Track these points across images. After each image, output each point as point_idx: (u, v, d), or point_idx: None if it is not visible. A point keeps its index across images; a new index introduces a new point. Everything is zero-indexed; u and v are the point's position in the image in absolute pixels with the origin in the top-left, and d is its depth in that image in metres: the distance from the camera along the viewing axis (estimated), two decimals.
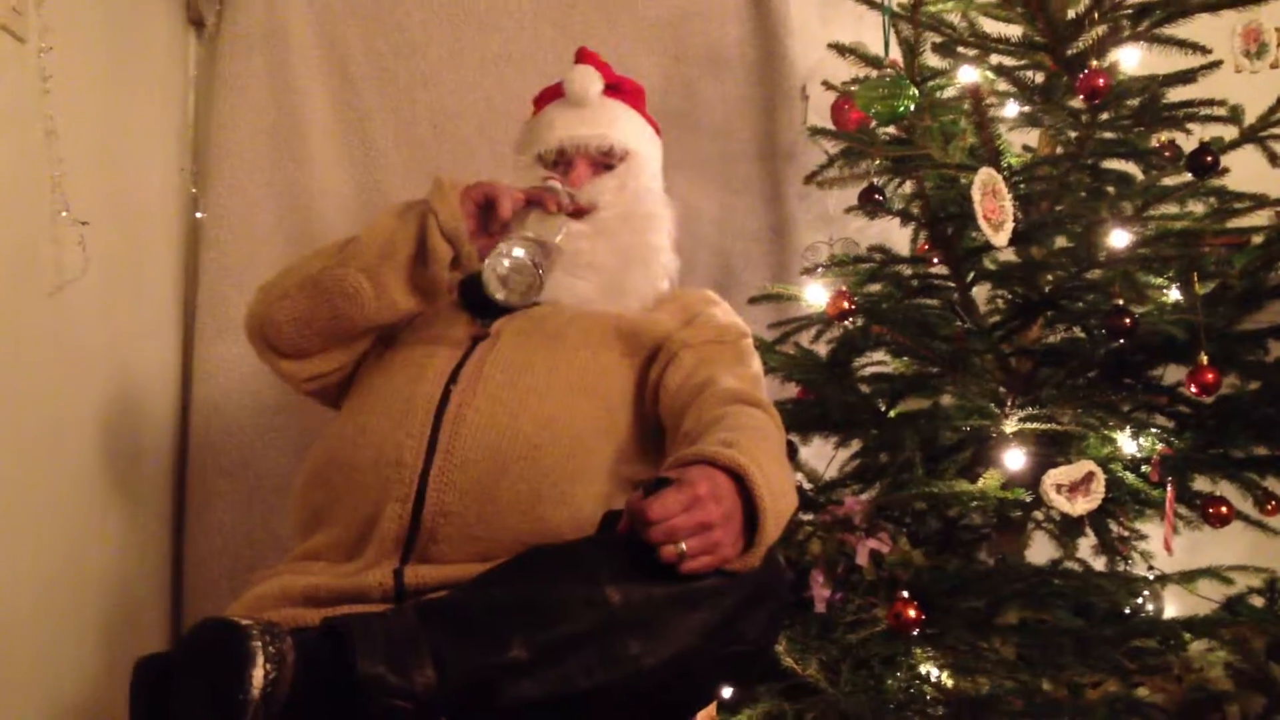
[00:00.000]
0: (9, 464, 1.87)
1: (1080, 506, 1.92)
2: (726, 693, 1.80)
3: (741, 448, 1.40)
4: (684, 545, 1.31)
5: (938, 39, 2.29)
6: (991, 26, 2.30)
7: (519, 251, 1.69)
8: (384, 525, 1.59)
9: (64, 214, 1.98)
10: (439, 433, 1.64)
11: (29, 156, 1.92)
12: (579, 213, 1.87)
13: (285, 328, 1.82)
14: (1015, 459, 1.97)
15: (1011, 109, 2.28)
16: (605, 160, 1.97)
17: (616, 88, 2.04)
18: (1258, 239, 2.10)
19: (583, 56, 2.06)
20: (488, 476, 1.60)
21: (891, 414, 2.23)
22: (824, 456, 2.38)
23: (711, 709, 1.79)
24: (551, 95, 2.05)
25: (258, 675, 1.17)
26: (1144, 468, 2.01)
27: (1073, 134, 2.16)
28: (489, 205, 1.75)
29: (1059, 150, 2.24)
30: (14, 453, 1.89)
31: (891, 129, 2.20)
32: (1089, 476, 1.93)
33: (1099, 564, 2.15)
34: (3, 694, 1.87)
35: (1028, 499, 1.97)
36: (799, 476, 2.37)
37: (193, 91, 2.61)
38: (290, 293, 1.81)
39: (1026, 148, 2.34)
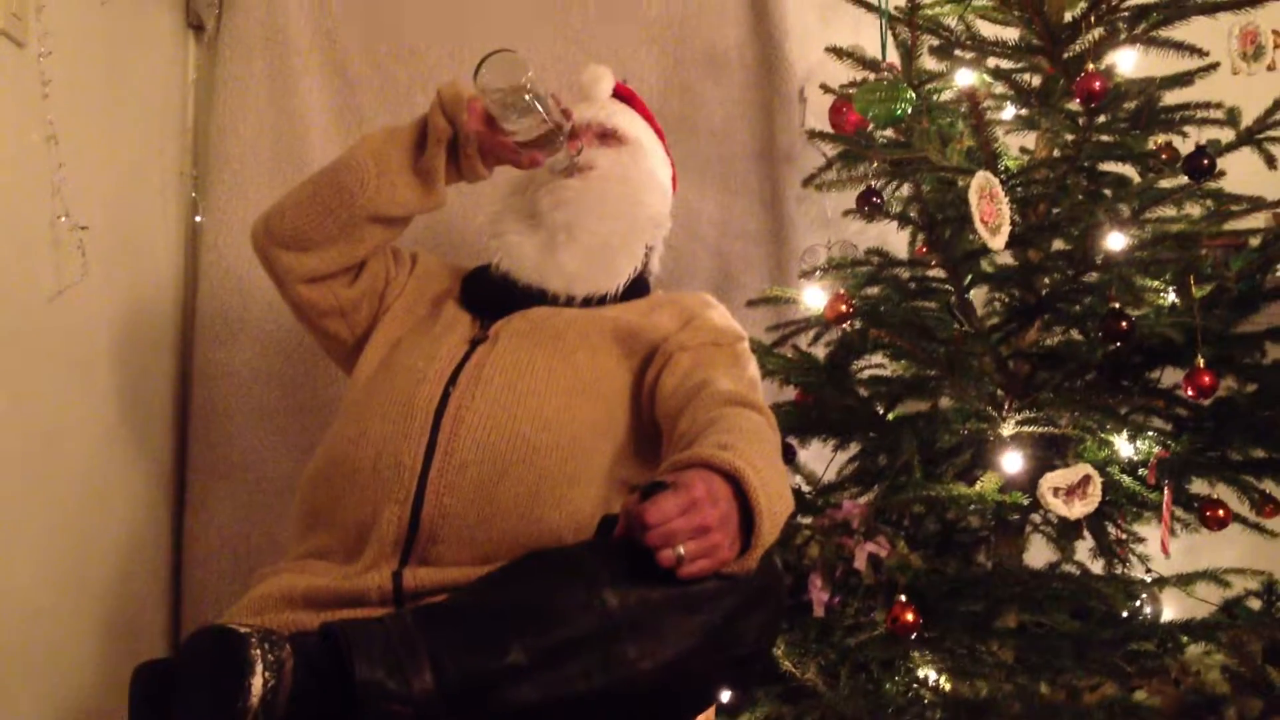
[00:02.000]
0: (9, 468, 1.88)
1: (1077, 509, 1.93)
2: (725, 696, 1.81)
3: (738, 450, 1.40)
4: (682, 549, 1.31)
5: (935, 42, 2.29)
6: (989, 29, 2.30)
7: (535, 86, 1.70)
8: (382, 527, 1.60)
9: (63, 218, 1.98)
10: (438, 434, 1.64)
11: (29, 161, 1.93)
12: (574, 170, 1.91)
13: (289, 211, 1.86)
14: (1013, 462, 1.98)
15: (1009, 112, 2.29)
16: (608, 141, 1.99)
17: (627, 99, 2.10)
18: (1255, 241, 2.10)
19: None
20: (487, 478, 1.60)
21: (890, 417, 2.23)
22: (822, 459, 2.38)
23: (710, 713, 1.80)
24: None
25: (257, 683, 1.18)
26: (1141, 470, 2.01)
27: (1070, 137, 2.17)
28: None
29: (1056, 153, 2.25)
30: (14, 457, 1.89)
31: (889, 132, 2.21)
32: (1086, 479, 1.93)
33: (1097, 567, 2.16)
34: (3, 699, 1.87)
35: (1025, 502, 1.97)
36: (797, 479, 2.38)
37: (192, 95, 2.61)
38: (300, 185, 1.89)
39: (1024, 150, 2.35)
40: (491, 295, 1.90)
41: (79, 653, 2.10)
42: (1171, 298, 2.07)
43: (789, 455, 2.33)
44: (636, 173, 1.98)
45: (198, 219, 2.57)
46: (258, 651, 1.20)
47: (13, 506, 1.89)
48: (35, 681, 1.98)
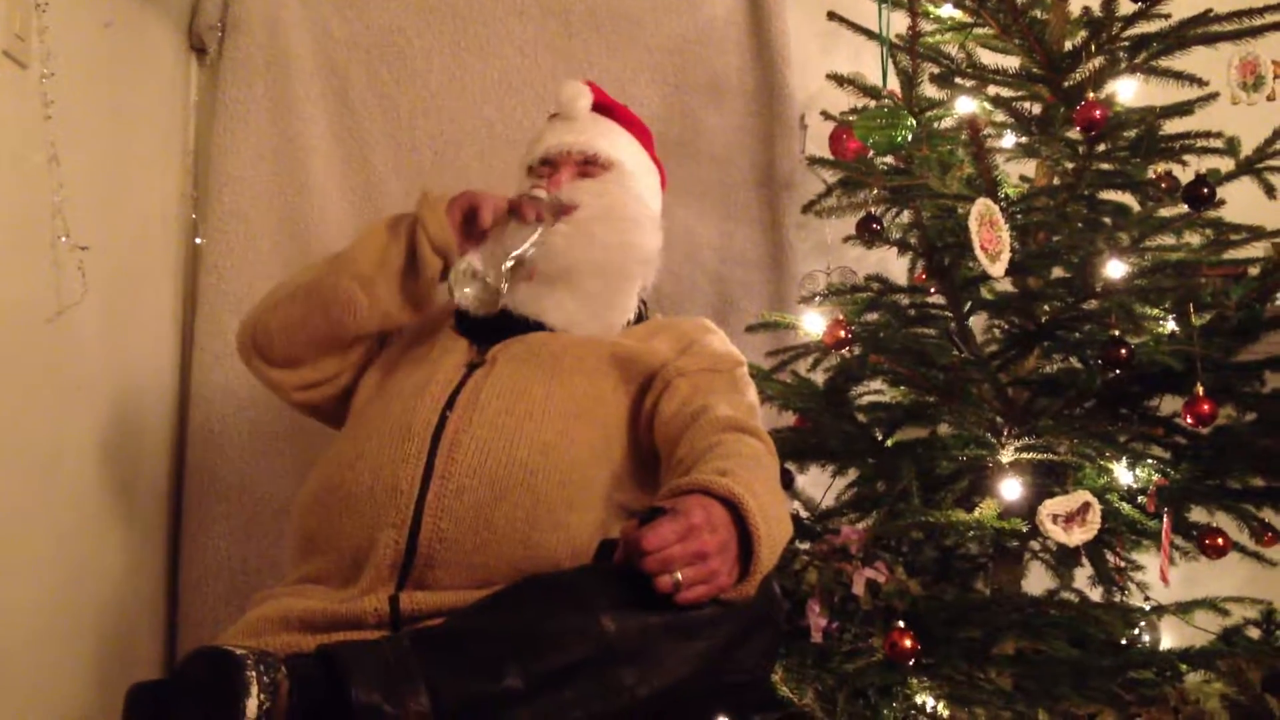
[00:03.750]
0: (7, 488, 1.87)
1: (1076, 537, 1.92)
2: None
3: (736, 476, 1.40)
4: (679, 575, 1.31)
5: (936, 70, 2.30)
6: (989, 58, 2.31)
7: (474, 262, 1.81)
8: (380, 551, 1.59)
9: (64, 239, 1.99)
10: (435, 458, 1.64)
11: (30, 182, 1.93)
12: (562, 212, 1.88)
13: (277, 336, 1.86)
14: (1012, 489, 1.97)
15: (1009, 140, 2.30)
16: (589, 170, 1.97)
17: (607, 110, 2.06)
18: (1254, 270, 2.09)
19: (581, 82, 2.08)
20: (484, 503, 1.60)
21: (889, 443, 2.23)
22: (821, 485, 2.38)
23: None
24: (548, 120, 2.08)
25: (252, 706, 1.17)
26: (1140, 498, 2.01)
27: (1070, 165, 2.17)
28: (472, 214, 1.82)
29: (1056, 181, 2.25)
30: (12, 477, 1.89)
31: (889, 159, 2.21)
32: (1085, 507, 1.93)
33: (1096, 594, 2.15)
34: None
35: (1024, 529, 1.97)
36: (796, 505, 2.37)
37: (194, 117, 2.62)
38: (282, 302, 1.86)
39: (1024, 178, 2.35)
40: (488, 320, 1.88)
41: (74, 675, 2.09)
42: (1171, 326, 2.07)
43: (787, 481, 2.33)
44: (622, 205, 1.94)
45: (198, 240, 2.57)
46: (253, 673, 1.19)
47: (9, 528, 1.88)
48: (30, 703, 1.97)
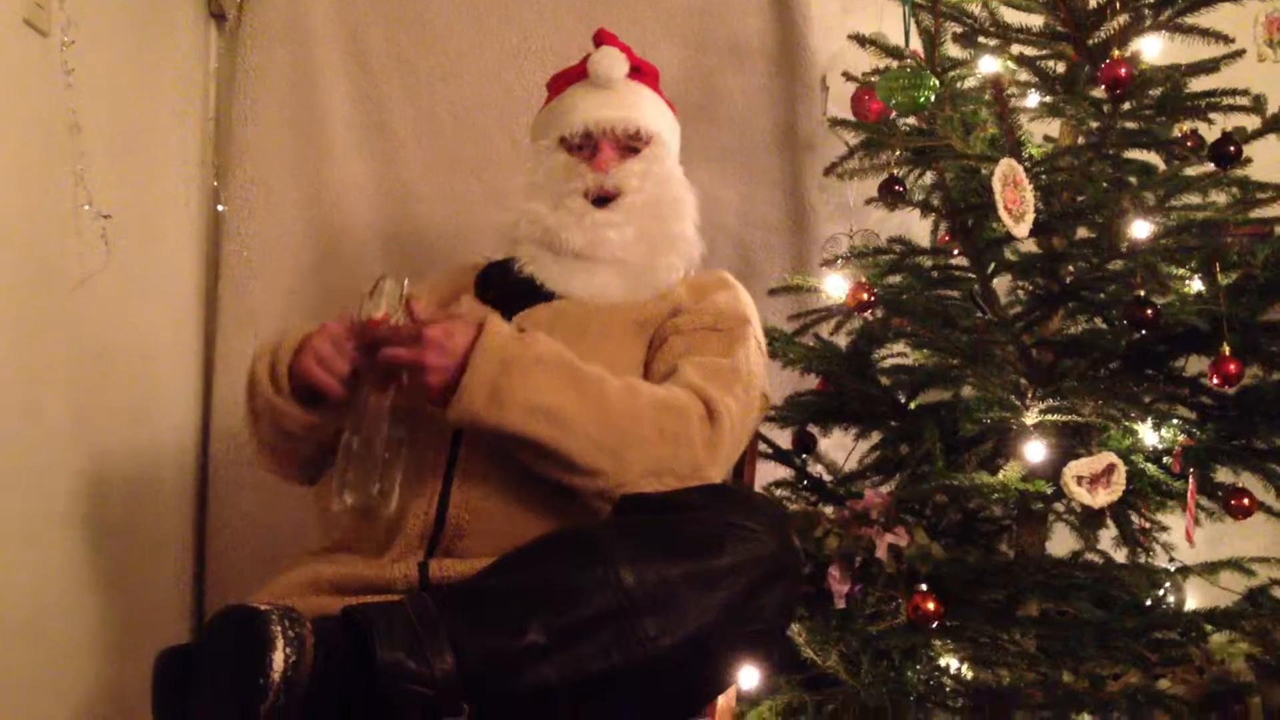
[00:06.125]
0: (32, 456, 1.89)
1: (1101, 498, 1.92)
2: (746, 678, 1.80)
3: (528, 359, 1.52)
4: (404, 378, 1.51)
5: (959, 29, 2.28)
6: (1013, 16, 2.29)
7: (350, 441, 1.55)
8: (410, 522, 1.59)
9: (86, 207, 1.99)
10: (461, 432, 1.63)
11: (52, 150, 1.94)
12: (604, 198, 1.85)
13: (264, 461, 1.83)
14: (1036, 451, 1.96)
15: (1033, 99, 2.28)
16: (630, 144, 1.92)
17: (639, 70, 2.00)
18: None
19: (604, 38, 2.02)
20: (511, 472, 1.59)
21: (911, 406, 2.23)
22: (844, 448, 2.38)
23: (731, 697, 1.79)
24: (572, 78, 2.01)
25: (278, 659, 1.18)
26: (1165, 459, 2.00)
27: (1094, 124, 2.16)
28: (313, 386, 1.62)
29: (1080, 140, 2.23)
30: (37, 445, 1.90)
31: (912, 120, 2.20)
32: (1110, 468, 1.92)
33: (1120, 556, 2.14)
34: (27, 688, 1.88)
35: (1049, 491, 1.96)
36: (819, 469, 2.37)
37: (214, 84, 2.62)
38: (251, 425, 1.78)
39: (1048, 138, 2.33)
40: (512, 288, 1.87)
41: (103, 643, 2.11)
42: (1197, 286, 2.05)
43: (809, 444, 2.33)
44: (665, 189, 1.91)
45: (219, 208, 2.58)
46: (278, 628, 1.20)
47: (34, 496, 1.90)
48: (61, 671, 1.99)
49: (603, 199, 1.86)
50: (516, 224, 1.89)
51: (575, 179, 1.87)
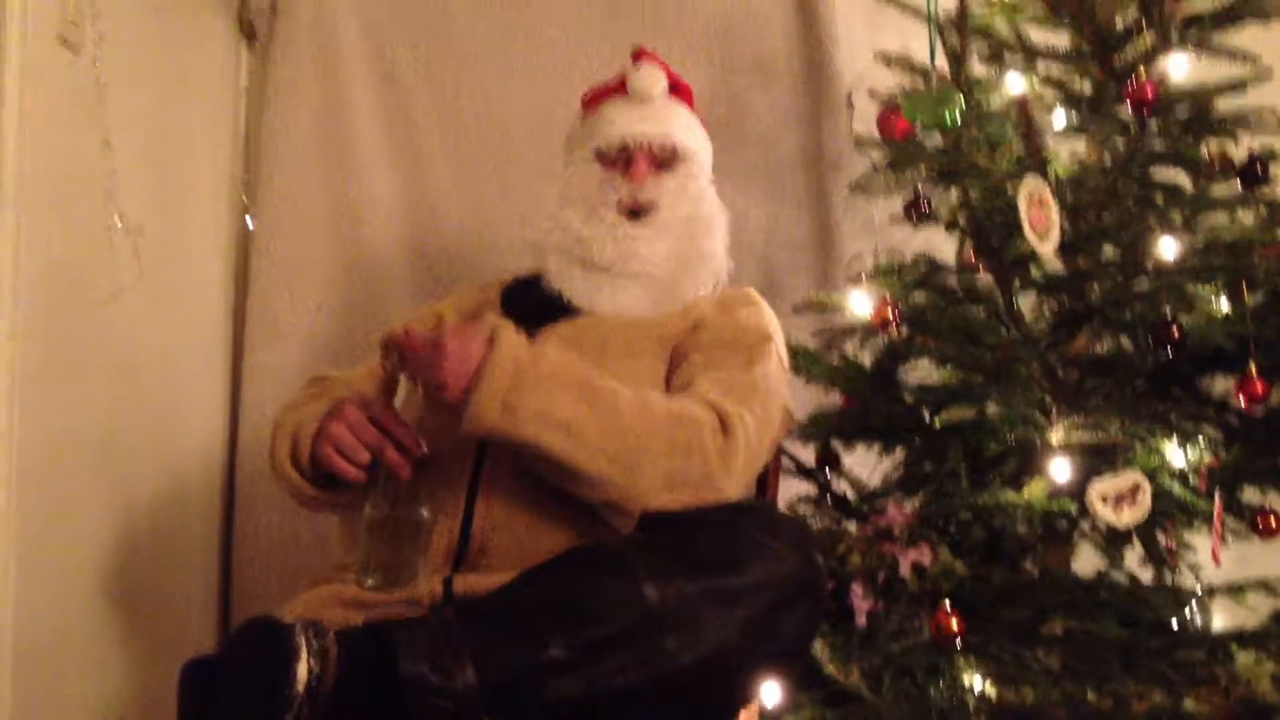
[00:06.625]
0: (62, 469, 1.90)
1: (1127, 517, 1.91)
2: (767, 695, 1.80)
3: (541, 370, 1.54)
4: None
5: (985, 48, 2.28)
6: (1039, 35, 2.29)
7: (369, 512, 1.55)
8: (434, 541, 1.60)
9: (118, 223, 2.01)
10: (486, 445, 1.63)
11: (84, 166, 1.96)
12: (637, 211, 1.85)
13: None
14: (1061, 469, 1.95)
15: (1059, 118, 2.27)
16: (665, 160, 1.91)
17: (676, 88, 2.00)
18: None
19: (643, 55, 2.02)
20: (535, 487, 1.60)
21: (936, 423, 2.22)
22: (868, 465, 2.37)
23: (753, 715, 1.79)
24: (608, 93, 2.00)
25: (301, 671, 1.19)
26: (1192, 479, 1.99)
27: (1121, 143, 2.15)
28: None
29: (1107, 159, 2.23)
30: (67, 458, 1.92)
31: (937, 138, 2.20)
32: (1136, 487, 1.91)
33: (1146, 575, 2.13)
34: (55, 698, 1.89)
35: (1074, 510, 1.95)
36: (843, 485, 2.37)
37: (244, 100, 2.64)
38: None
39: (1074, 157, 2.33)
40: (537, 303, 1.87)
41: (130, 653, 2.12)
42: (1223, 305, 2.04)
43: (833, 460, 2.32)
44: (698, 207, 1.90)
45: (248, 223, 2.60)
46: (302, 639, 1.21)
47: (64, 509, 1.91)
48: (87, 681, 2.00)
49: (636, 212, 1.86)
50: (549, 233, 1.89)
51: (609, 190, 1.87)
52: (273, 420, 1.79)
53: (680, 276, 1.86)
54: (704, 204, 1.92)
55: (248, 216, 2.60)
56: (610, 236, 1.83)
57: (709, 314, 1.84)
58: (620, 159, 1.91)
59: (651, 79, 1.95)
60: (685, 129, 1.96)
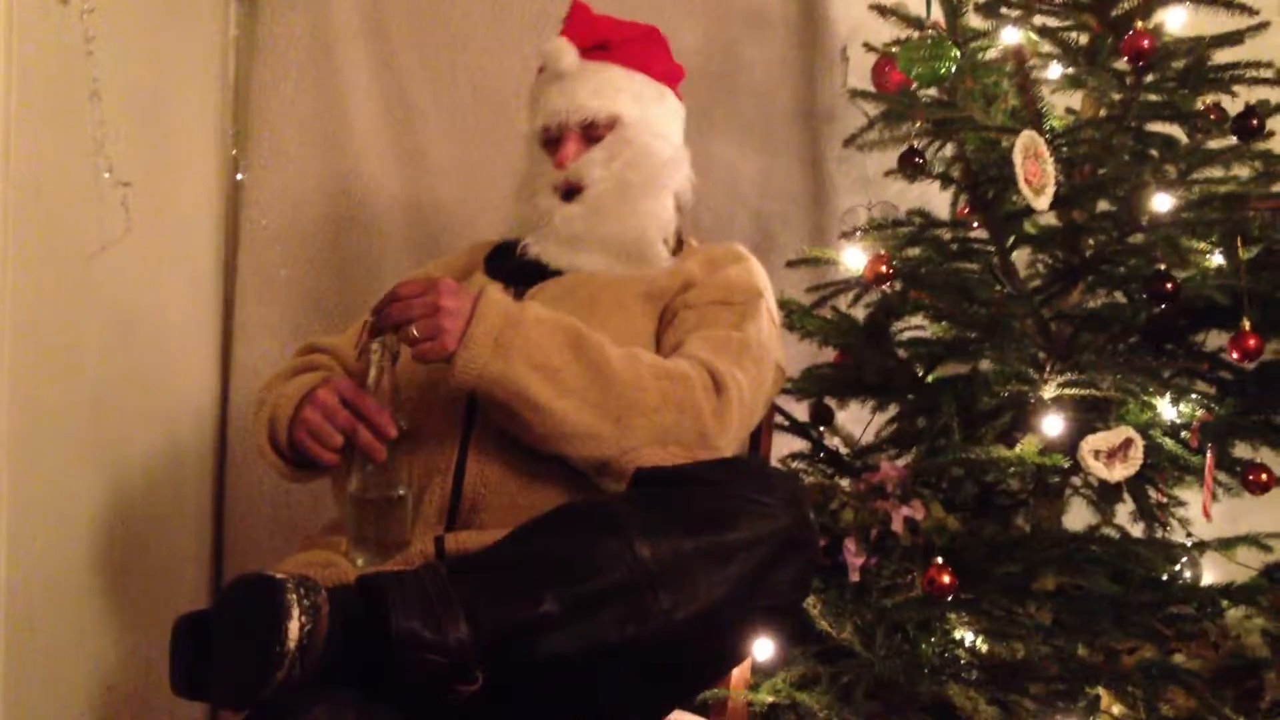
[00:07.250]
0: (53, 424, 1.90)
1: (1118, 473, 1.91)
2: (760, 650, 1.81)
3: (528, 317, 1.54)
4: (415, 330, 1.48)
5: None
6: None
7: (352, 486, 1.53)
8: (426, 499, 1.61)
9: (107, 175, 2.00)
10: (476, 404, 1.63)
11: (73, 118, 1.94)
12: (571, 191, 1.85)
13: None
14: (1054, 424, 1.96)
15: (1055, 71, 2.26)
16: (592, 133, 1.89)
17: (604, 46, 1.93)
18: None
19: (571, 14, 1.97)
20: (526, 446, 1.60)
21: (929, 379, 2.22)
22: (861, 421, 2.38)
23: (746, 669, 1.80)
24: (540, 70, 1.98)
25: (293, 627, 1.19)
26: (1184, 434, 1.99)
27: (1116, 96, 2.14)
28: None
29: (1102, 113, 2.21)
30: (57, 413, 1.91)
31: (932, 91, 2.18)
32: (1128, 442, 1.91)
33: (1137, 530, 2.14)
34: (47, 655, 1.90)
35: (1066, 465, 1.96)
36: (836, 441, 2.37)
37: (233, 52, 2.61)
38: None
39: (1070, 110, 2.32)
40: (522, 264, 1.87)
41: (123, 608, 2.12)
42: (1218, 260, 2.04)
43: (826, 416, 2.33)
44: (633, 170, 1.86)
45: (238, 176, 2.58)
46: (294, 596, 1.20)
47: (55, 464, 1.91)
48: (80, 636, 2.00)
49: (570, 192, 1.86)
50: (510, 213, 1.94)
51: (542, 175, 1.89)
52: (257, 396, 1.79)
53: (635, 239, 1.85)
54: (642, 164, 1.88)
55: (238, 170, 2.58)
56: (550, 219, 1.85)
57: (698, 272, 1.84)
58: (550, 141, 1.92)
59: (557, 52, 1.91)
60: (605, 94, 1.90)
